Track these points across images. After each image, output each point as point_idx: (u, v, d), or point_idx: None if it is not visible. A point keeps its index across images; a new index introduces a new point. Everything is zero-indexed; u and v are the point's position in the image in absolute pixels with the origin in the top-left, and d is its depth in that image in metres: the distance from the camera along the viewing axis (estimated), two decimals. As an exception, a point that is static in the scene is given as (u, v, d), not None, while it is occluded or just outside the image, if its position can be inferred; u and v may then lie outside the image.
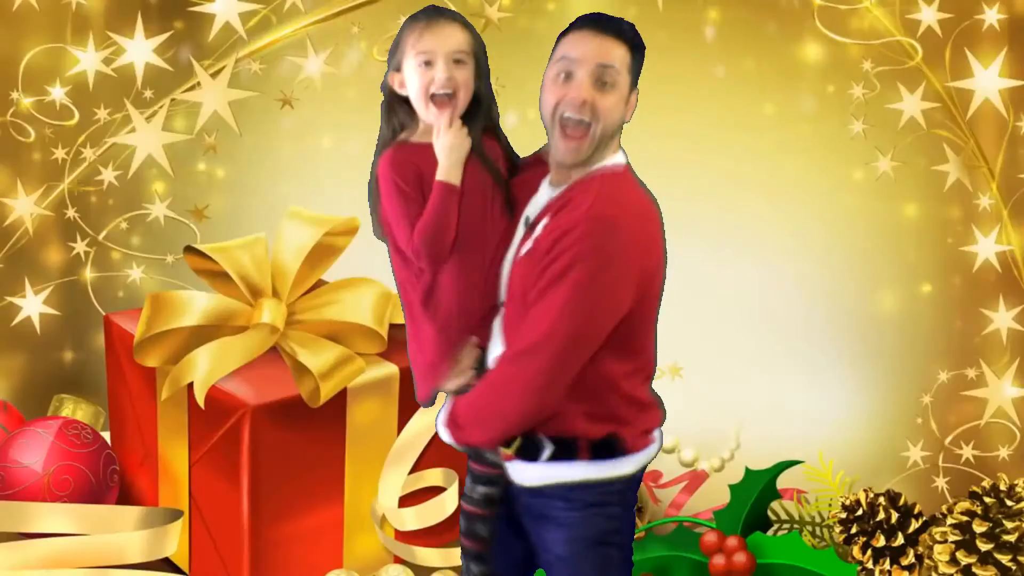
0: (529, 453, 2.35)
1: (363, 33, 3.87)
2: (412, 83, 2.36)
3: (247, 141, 3.94)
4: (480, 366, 2.40)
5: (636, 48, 2.29)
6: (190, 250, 3.40)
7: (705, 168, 3.77)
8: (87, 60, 3.90)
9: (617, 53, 2.26)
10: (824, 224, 3.80)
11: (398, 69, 2.38)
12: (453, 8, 3.66)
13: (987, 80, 3.66)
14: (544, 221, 2.29)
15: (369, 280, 3.41)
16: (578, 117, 2.25)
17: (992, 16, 3.63)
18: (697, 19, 3.69)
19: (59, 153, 3.96)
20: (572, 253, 2.18)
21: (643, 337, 2.35)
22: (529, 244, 2.30)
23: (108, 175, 3.97)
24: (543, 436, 2.34)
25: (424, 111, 2.36)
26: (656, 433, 2.43)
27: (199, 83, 3.88)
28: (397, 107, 2.41)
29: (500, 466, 2.42)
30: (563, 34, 2.31)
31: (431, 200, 2.32)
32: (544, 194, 2.36)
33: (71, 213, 4.00)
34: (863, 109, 3.70)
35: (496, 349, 2.38)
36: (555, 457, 2.34)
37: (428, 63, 2.33)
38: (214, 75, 3.88)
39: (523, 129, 3.19)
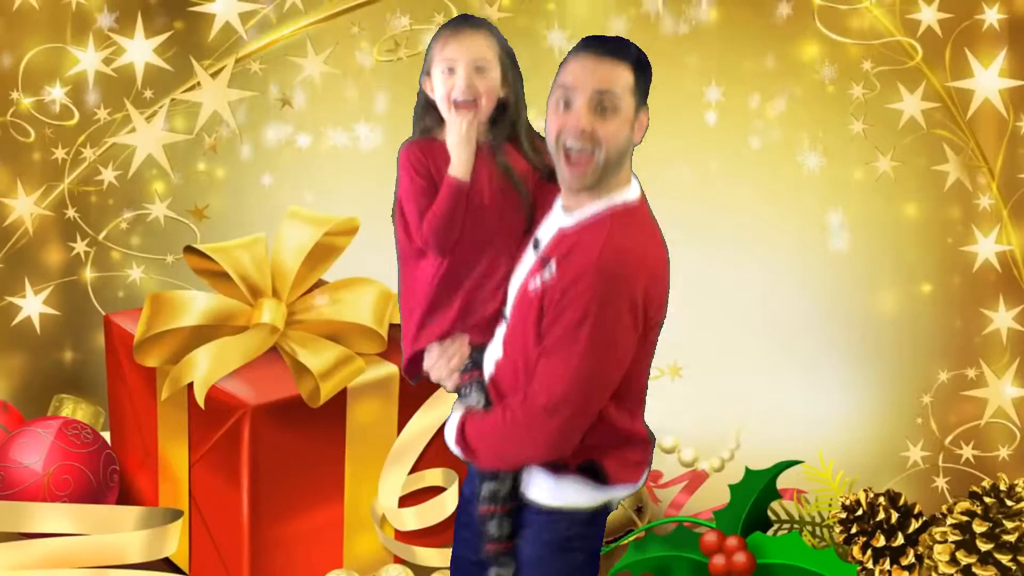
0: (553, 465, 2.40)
1: (363, 33, 3.88)
2: (437, 89, 2.44)
3: (247, 141, 3.94)
4: (474, 364, 2.46)
5: (640, 67, 2.26)
6: (190, 250, 3.40)
7: (705, 168, 3.77)
8: (87, 60, 3.90)
9: (618, 76, 2.23)
10: (824, 224, 3.80)
11: (428, 74, 2.47)
12: (453, 8, 3.67)
13: (987, 80, 3.66)
14: (551, 267, 2.29)
15: (369, 280, 3.41)
16: (579, 146, 2.24)
17: (992, 16, 3.63)
18: (697, 19, 3.69)
19: (59, 153, 3.96)
20: (583, 307, 2.21)
21: (640, 375, 2.39)
22: (537, 282, 2.30)
23: (108, 175, 3.97)
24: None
25: (447, 114, 2.44)
26: (643, 472, 2.47)
27: (199, 83, 3.88)
28: (429, 110, 2.49)
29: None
30: (565, 59, 2.30)
31: (440, 194, 2.41)
32: (556, 219, 2.36)
33: (71, 213, 4.00)
34: (863, 109, 3.70)
35: (495, 354, 2.42)
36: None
37: (451, 70, 2.41)
38: (214, 75, 3.88)
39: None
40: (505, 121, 2.47)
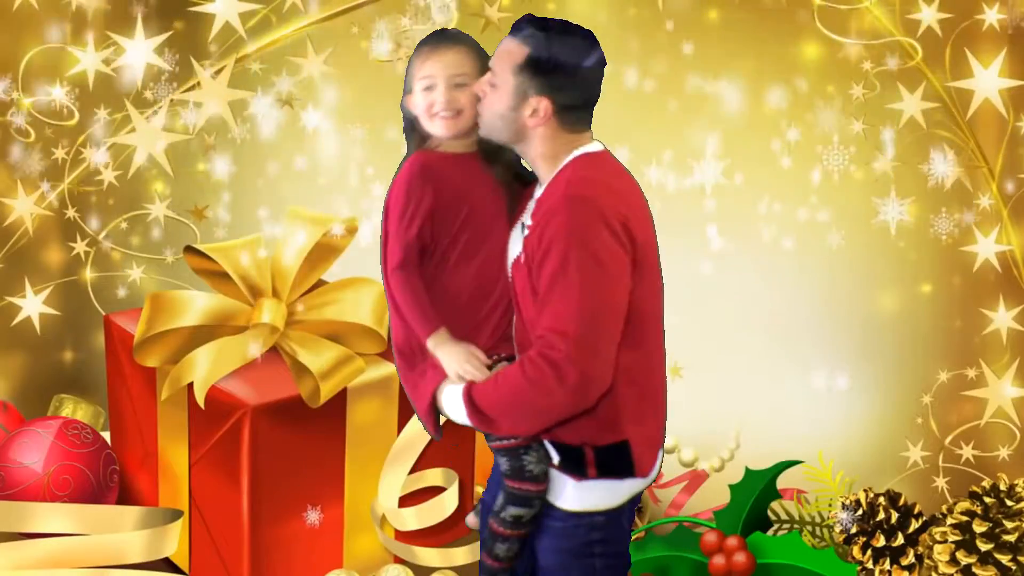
0: (575, 466, 2.37)
1: (363, 33, 3.87)
2: (417, 105, 2.45)
3: (247, 141, 3.94)
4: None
5: (536, 52, 2.33)
6: (190, 250, 3.40)
7: (704, 168, 3.76)
8: (87, 60, 3.90)
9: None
10: (824, 224, 3.79)
11: (410, 92, 2.48)
12: (453, 9, 3.66)
13: (987, 80, 3.65)
14: (525, 220, 2.36)
15: (369, 280, 3.41)
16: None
17: (992, 16, 3.63)
18: (697, 19, 3.69)
19: (59, 153, 3.96)
20: (563, 241, 2.23)
21: (649, 315, 2.37)
22: (519, 246, 2.35)
23: (108, 175, 3.97)
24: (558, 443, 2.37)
25: (430, 125, 2.45)
26: (658, 454, 2.45)
27: (199, 83, 3.88)
28: (417, 127, 2.50)
29: (542, 481, 2.40)
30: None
31: (409, 317, 2.44)
32: (533, 198, 2.42)
33: (71, 213, 4.00)
34: (863, 109, 3.70)
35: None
36: (563, 468, 2.38)
37: (429, 88, 2.43)
38: (214, 75, 3.88)
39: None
40: None
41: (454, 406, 2.40)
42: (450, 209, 2.43)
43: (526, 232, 2.34)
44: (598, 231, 2.25)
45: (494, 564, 2.48)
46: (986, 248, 3.71)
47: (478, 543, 2.88)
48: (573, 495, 2.39)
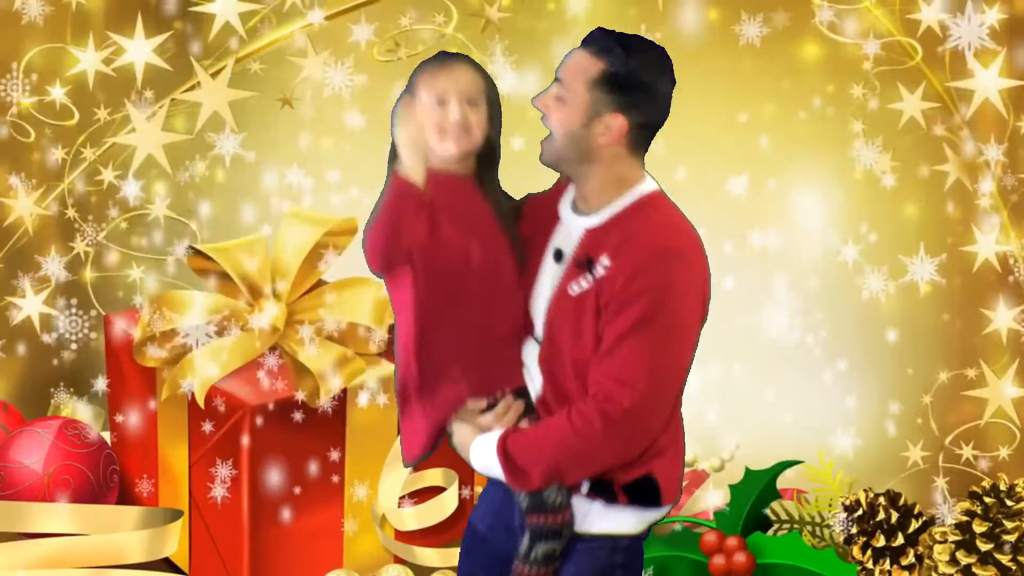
0: (604, 493, 2.29)
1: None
2: (425, 122, 2.29)
3: (247, 141, 3.94)
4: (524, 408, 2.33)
5: (614, 67, 2.21)
6: (190, 250, 3.40)
7: (704, 168, 3.76)
8: (87, 60, 3.90)
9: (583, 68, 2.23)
10: (824, 224, 3.79)
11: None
12: (453, 8, 3.66)
13: (987, 80, 3.65)
14: (604, 262, 2.21)
15: (369, 280, 3.41)
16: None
17: (992, 16, 3.63)
18: (697, 19, 3.69)
19: (59, 153, 3.96)
20: (656, 297, 2.14)
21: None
22: (585, 284, 2.23)
23: (108, 175, 3.97)
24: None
25: (437, 144, 2.28)
26: (680, 487, 2.39)
27: (199, 83, 3.88)
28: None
29: (566, 509, 2.30)
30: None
31: (388, 194, 2.22)
32: (572, 224, 2.30)
33: (71, 213, 4.00)
34: (863, 109, 3.70)
35: (536, 382, 2.32)
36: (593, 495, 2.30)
37: (441, 102, 2.28)
38: (214, 75, 3.88)
39: (524, 127, 3.17)
40: (494, 160, 2.35)
41: (484, 456, 2.29)
42: (453, 228, 2.28)
43: (599, 271, 2.21)
44: (691, 295, 2.19)
45: None
46: (986, 248, 3.71)
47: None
48: (598, 519, 2.32)
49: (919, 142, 3.71)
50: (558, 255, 2.30)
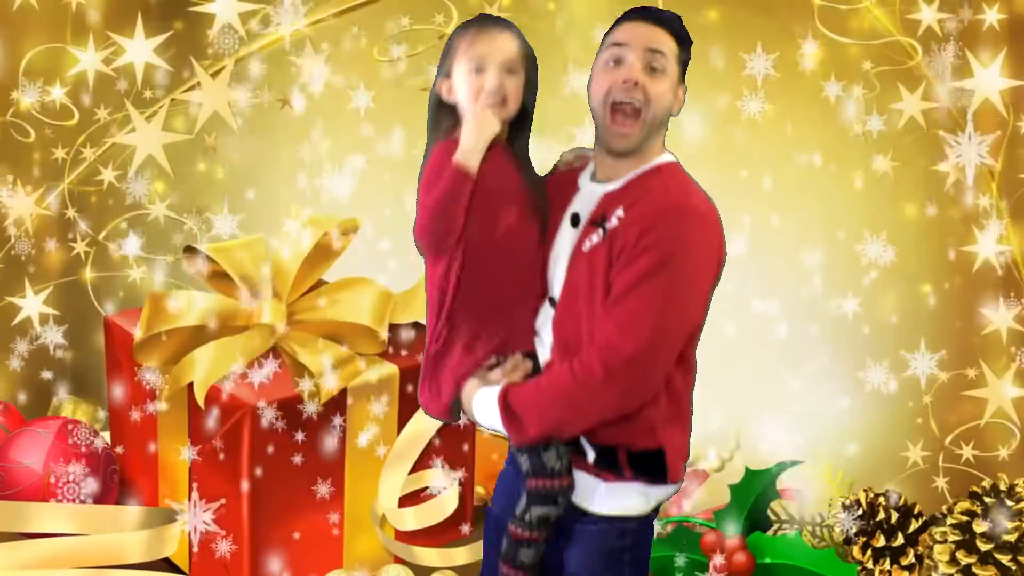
0: (611, 465, 2.30)
1: (363, 33, 3.87)
2: (461, 89, 2.29)
3: (247, 141, 3.94)
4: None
5: (683, 41, 2.31)
6: (190, 250, 3.40)
7: (704, 168, 3.75)
8: (87, 60, 3.90)
9: (665, 41, 2.28)
10: (824, 224, 3.80)
11: (448, 75, 2.31)
12: (453, 8, 3.66)
13: (987, 80, 3.65)
14: (618, 213, 2.23)
15: (369, 280, 3.41)
16: (629, 99, 2.25)
17: (992, 16, 3.63)
18: (697, 19, 3.69)
19: (59, 153, 3.96)
20: (667, 248, 2.16)
21: (695, 341, 2.33)
22: (596, 239, 2.25)
23: (108, 175, 3.97)
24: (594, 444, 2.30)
25: (471, 112, 2.27)
26: (684, 467, 2.40)
27: (199, 83, 3.88)
28: (444, 112, 2.34)
29: (565, 476, 2.32)
30: (611, 28, 2.32)
31: (444, 180, 2.22)
32: (591, 191, 2.33)
33: (71, 213, 4.00)
34: (863, 109, 3.70)
35: (546, 347, 2.33)
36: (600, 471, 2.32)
37: (479, 69, 2.27)
38: (214, 75, 3.88)
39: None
40: (526, 126, 2.36)
41: (485, 408, 2.31)
42: (486, 197, 2.27)
43: (612, 223, 2.23)
44: (703, 253, 2.20)
45: (518, 573, 2.37)
46: (986, 248, 3.71)
47: (479, 543, 2.88)
48: (605, 498, 2.33)
49: (919, 142, 3.71)
50: (575, 219, 2.32)
